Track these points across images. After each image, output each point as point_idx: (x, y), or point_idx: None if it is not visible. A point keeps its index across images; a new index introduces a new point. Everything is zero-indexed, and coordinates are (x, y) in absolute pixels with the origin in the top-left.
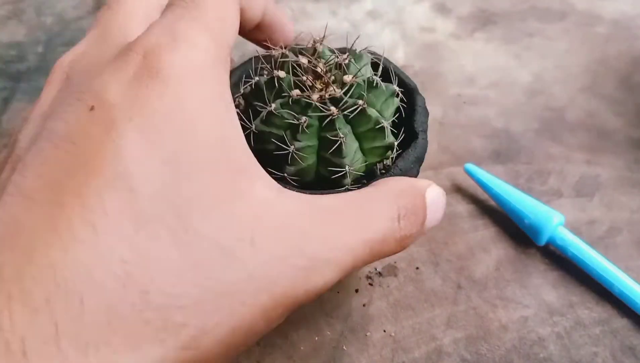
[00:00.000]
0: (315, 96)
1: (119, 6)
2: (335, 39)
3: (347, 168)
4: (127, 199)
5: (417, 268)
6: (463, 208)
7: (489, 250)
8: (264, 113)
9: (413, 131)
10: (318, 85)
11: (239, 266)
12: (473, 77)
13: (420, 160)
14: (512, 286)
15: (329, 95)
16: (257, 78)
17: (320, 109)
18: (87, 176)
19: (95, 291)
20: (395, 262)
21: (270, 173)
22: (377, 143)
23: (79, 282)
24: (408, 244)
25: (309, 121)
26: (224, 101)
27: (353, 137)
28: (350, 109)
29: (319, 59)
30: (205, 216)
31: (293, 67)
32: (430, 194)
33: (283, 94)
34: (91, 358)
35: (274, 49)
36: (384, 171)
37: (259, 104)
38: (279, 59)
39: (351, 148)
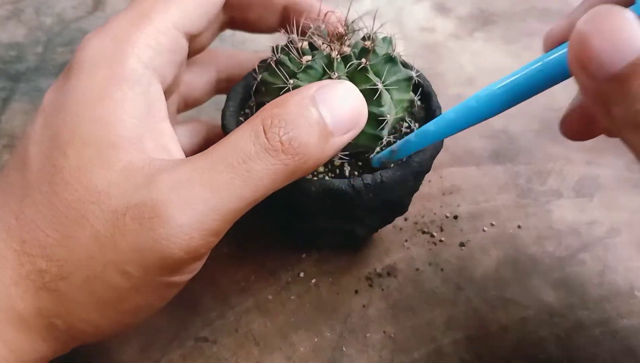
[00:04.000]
0: (334, 54)
1: None
2: None
3: (387, 116)
4: (21, 174)
5: (417, 269)
6: (462, 208)
7: (489, 250)
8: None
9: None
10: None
11: (88, 225)
12: (472, 77)
13: (434, 156)
14: (511, 287)
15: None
16: (279, 55)
17: (350, 58)
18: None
19: None
20: (395, 263)
21: None
22: (404, 95)
23: None
24: (312, 157)
25: (339, 74)
26: (115, 85)
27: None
28: (380, 58)
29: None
30: (67, 183)
31: (319, 44)
32: (322, 94)
33: (313, 51)
34: None
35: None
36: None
37: (285, 69)
38: (304, 40)
39: (387, 97)
